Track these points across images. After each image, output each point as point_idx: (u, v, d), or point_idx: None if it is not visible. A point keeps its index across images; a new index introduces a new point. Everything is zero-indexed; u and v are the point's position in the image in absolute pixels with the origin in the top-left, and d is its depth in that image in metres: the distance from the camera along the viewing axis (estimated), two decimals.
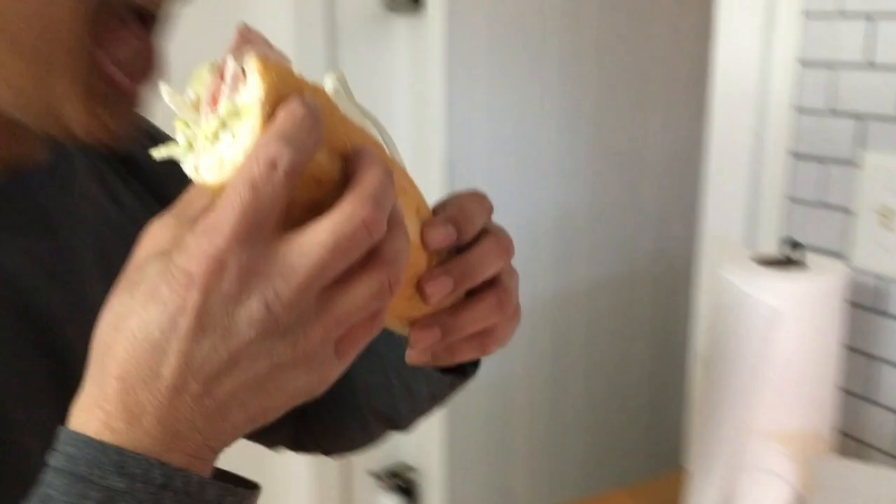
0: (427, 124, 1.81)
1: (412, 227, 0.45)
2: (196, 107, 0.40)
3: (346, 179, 0.38)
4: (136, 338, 0.36)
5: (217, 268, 0.35)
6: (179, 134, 0.39)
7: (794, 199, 1.04)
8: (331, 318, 0.38)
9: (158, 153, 0.40)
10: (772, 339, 0.84)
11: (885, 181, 0.93)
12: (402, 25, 1.85)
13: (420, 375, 0.62)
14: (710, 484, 0.89)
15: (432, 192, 1.80)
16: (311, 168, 0.38)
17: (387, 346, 0.63)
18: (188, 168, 0.39)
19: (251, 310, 0.36)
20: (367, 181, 0.38)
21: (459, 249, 0.48)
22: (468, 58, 1.76)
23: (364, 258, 0.38)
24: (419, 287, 0.46)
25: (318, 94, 0.40)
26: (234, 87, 0.38)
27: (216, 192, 0.37)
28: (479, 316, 0.49)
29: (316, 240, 0.36)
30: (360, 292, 0.38)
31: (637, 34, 1.98)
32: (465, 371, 0.63)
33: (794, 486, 0.85)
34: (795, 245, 0.87)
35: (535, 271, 1.99)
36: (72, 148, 0.53)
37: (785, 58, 1.02)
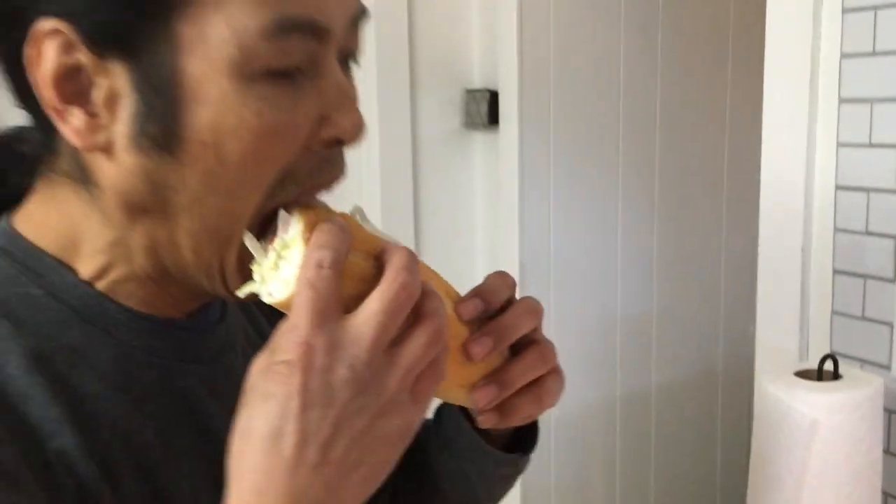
0: (501, 230, 1.94)
1: (446, 305, 0.56)
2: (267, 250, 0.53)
3: (382, 272, 0.51)
4: (262, 433, 0.46)
5: (307, 349, 0.46)
6: (256, 273, 0.53)
7: (839, 313, 1.11)
8: (400, 368, 0.48)
9: (241, 292, 0.53)
10: (812, 449, 0.91)
11: None
12: (479, 140, 2.01)
13: (489, 458, 0.71)
14: None
15: None
16: (354, 269, 0.51)
17: (459, 435, 0.72)
18: (265, 297, 0.51)
19: (341, 374, 0.46)
20: (396, 259, 0.50)
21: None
22: (540, 168, 1.89)
23: (413, 319, 0.50)
24: (465, 349, 0.57)
25: (347, 219, 0.54)
26: (284, 229, 0.52)
27: (287, 305, 0.49)
28: (526, 368, 0.60)
29: (371, 310, 0.48)
30: (417, 343, 0.49)
31: (705, 146, 2.08)
32: (525, 448, 0.72)
33: None
34: (833, 359, 0.95)
35: (610, 371, 2.06)
36: None
37: (824, 183, 1.11)
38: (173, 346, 0.60)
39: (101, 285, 0.57)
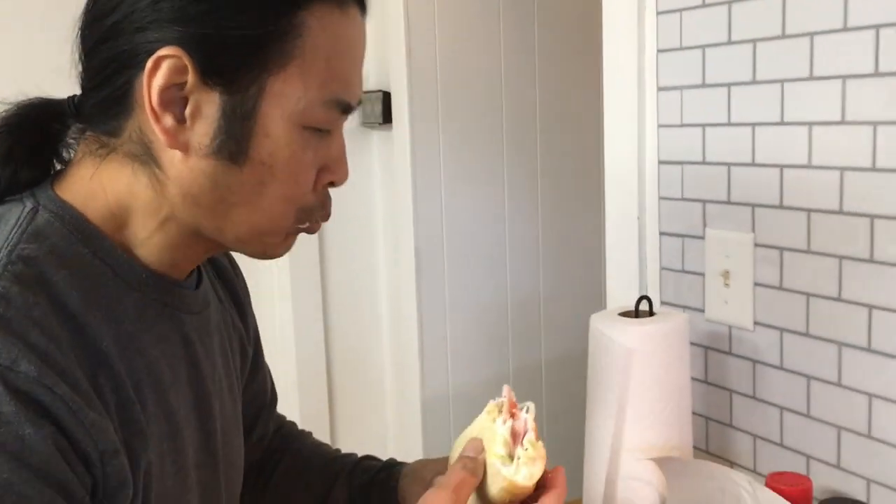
0: (398, 218, 2.11)
1: None
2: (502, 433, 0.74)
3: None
4: None
5: None
6: (503, 449, 0.73)
7: (665, 268, 1.31)
8: None
9: (508, 472, 0.72)
10: (630, 374, 1.09)
11: (721, 250, 1.20)
12: (375, 137, 2.18)
13: None
14: (595, 494, 1.13)
15: (405, 276, 2.08)
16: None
17: None
18: (508, 472, 0.71)
19: None
20: (559, 491, 0.73)
21: None
22: (431, 162, 2.07)
23: None
24: None
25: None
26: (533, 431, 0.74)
27: (522, 489, 0.71)
28: None
29: None
30: None
31: (581, 138, 2.30)
32: None
33: (658, 488, 1.09)
34: (648, 299, 1.14)
35: (502, 349, 2.25)
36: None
37: (651, 158, 1.31)
38: (179, 300, 0.77)
39: (137, 251, 0.73)
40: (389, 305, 2.21)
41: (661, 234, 1.31)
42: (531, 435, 0.73)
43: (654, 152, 1.31)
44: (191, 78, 0.67)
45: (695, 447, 1.22)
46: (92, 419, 0.61)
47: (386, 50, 2.06)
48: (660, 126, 1.29)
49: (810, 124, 1.08)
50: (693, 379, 1.25)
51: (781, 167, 1.12)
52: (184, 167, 0.70)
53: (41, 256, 0.66)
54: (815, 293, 1.10)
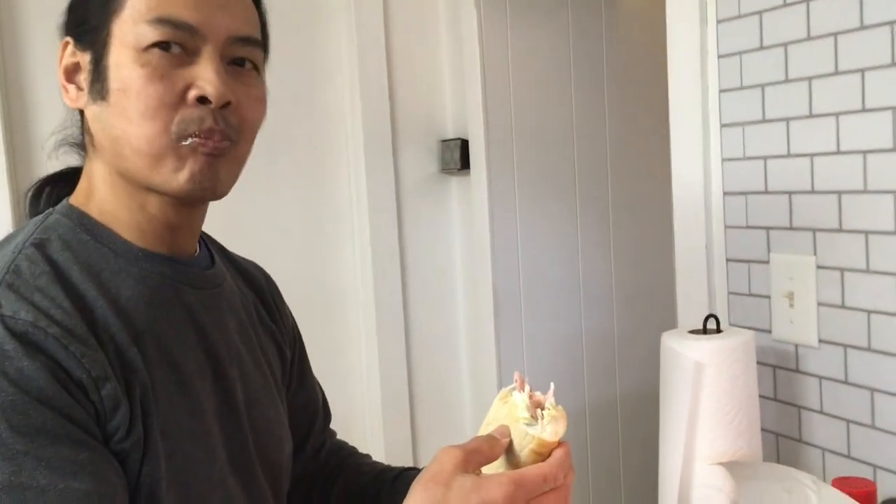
0: (476, 260, 2.22)
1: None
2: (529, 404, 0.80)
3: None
4: None
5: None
6: (523, 410, 0.79)
7: (733, 293, 1.39)
8: None
9: (534, 430, 0.76)
10: (699, 386, 1.17)
11: (785, 273, 1.28)
12: (453, 183, 2.30)
13: None
14: (670, 502, 1.20)
15: (483, 312, 2.17)
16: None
17: None
18: (535, 430, 0.77)
19: None
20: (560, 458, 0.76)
21: None
22: (507, 205, 2.19)
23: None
24: None
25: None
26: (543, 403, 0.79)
27: (549, 446, 0.75)
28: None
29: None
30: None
31: (652, 180, 2.39)
32: None
33: (729, 493, 1.16)
34: (715, 318, 1.22)
35: (578, 383, 2.32)
36: (209, 247, 0.96)
37: (717, 190, 1.40)
38: (178, 273, 0.88)
39: (117, 227, 0.85)
40: (469, 343, 2.32)
41: (728, 260, 1.40)
42: (552, 399, 0.79)
43: (720, 184, 1.40)
44: (77, 54, 0.85)
45: (766, 462, 1.29)
46: (83, 351, 0.73)
47: (464, 101, 2.20)
48: (724, 160, 1.38)
49: (864, 152, 1.16)
50: (762, 397, 1.32)
51: (839, 193, 1.20)
52: (89, 121, 0.85)
53: (48, 242, 0.81)
54: (875, 310, 1.16)
